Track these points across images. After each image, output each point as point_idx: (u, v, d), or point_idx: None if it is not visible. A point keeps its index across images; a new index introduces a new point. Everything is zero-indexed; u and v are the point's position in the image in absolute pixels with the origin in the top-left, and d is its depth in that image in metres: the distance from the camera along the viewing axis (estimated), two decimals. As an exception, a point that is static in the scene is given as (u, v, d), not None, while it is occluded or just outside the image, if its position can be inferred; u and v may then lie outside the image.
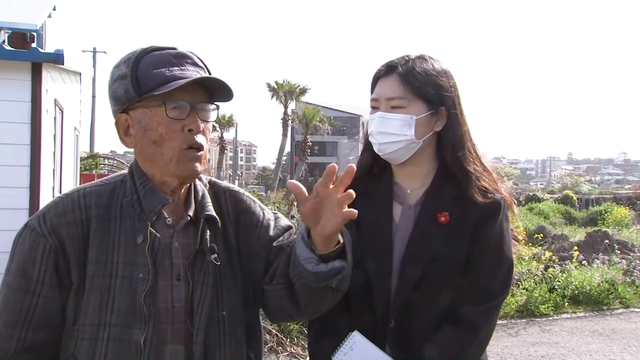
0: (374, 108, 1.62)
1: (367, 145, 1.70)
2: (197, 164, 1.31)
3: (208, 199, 1.41)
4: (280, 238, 1.45)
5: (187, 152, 1.29)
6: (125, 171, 1.40)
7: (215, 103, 1.35)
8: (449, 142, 1.61)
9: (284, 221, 1.52)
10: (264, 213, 1.50)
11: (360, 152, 1.78)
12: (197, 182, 1.43)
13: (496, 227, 1.58)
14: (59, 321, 1.28)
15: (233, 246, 1.42)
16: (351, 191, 1.21)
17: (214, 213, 1.38)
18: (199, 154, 1.31)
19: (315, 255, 1.29)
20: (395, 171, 1.68)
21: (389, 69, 1.61)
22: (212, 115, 1.35)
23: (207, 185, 1.47)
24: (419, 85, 1.57)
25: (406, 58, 1.62)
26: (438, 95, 1.59)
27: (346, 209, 1.23)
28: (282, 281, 1.38)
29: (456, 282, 1.57)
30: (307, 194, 1.24)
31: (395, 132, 1.56)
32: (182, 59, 1.31)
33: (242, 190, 1.53)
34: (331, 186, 1.21)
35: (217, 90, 1.34)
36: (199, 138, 1.30)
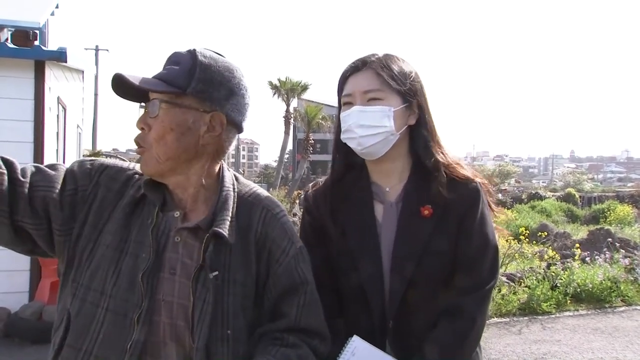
0: (347, 104, 1.62)
1: (338, 147, 1.68)
2: (142, 162, 1.35)
3: (226, 213, 1.36)
4: (288, 300, 1.40)
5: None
6: None
7: (154, 99, 1.32)
8: (421, 136, 1.63)
9: (305, 266, 1.45)
10: (290, 249, 1.42)
11: (332, 156, 1.74)
12: (227, 188, 1.41)
13: (478, 214, 1.59)
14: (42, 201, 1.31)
15: (252, 266, 1.38)
16: None
17: (222, 230, 1.32)
18: (140, 150, 1.34)
19: None
20: (371, 170, 1.67)
21: (361, 64, 1.61)
22: (152, 110, 1.32)
23: (249, 195, 1.45)
24: (394, 77, 1.58)
25: (376, 55, 1.63)
26: (411, 89, 1.60)
27: None
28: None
29: (449, 275, 1.57)
30: None
31: (375, 124, 1.56)
32: (171, 59, 1.36)
33: (279, 215, 1.46)
34: None
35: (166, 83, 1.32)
36: (140, 135, 1.34)
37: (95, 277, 1.30)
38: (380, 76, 1.58)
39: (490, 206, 1.67)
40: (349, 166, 1.68)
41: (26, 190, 1.28)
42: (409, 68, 1.63)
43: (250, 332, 1.37)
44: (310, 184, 1.80)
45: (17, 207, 1.28)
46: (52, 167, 1.37)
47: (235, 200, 1.41)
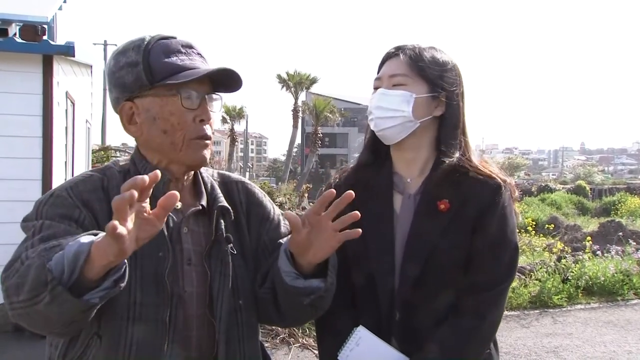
0: (376, 88, 1.63)
1: (370, 142, 1.69)
2: (206, 153, 1.35)
3: (218, 191, 1.43)
4: (287, 238, 1.45)
5: (196, 141, 1.31)
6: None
7: (218, 94, 1.38)
8: (445, 129, 1.61)
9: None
10: (274, 208, 1.54)
11: (363, 147, 1.76)
12: (204, 173, 1.45)
13: (498, 212, 1.55)
14: None
15: (246, 237, 1.45)
16: (355, 213, 1.26)
17: (226, 204, 1.40)
18: (207, 142, 1.34)
19: (295, 269, 1.31)
20: (395, 160, 1.67)
21: (397, 50, 1.62)
22: (217, 106, 1.38)
23: (217, 177, 1.50)
24: (423, 65, 1.58)
25: (416, 44, 1.64)
26: (441, 80, 1.59)
27: (340, 233, 1.27)
28: (269, 285, 1.39)
29: (460, 272, 1.55)
30: (301, 224, 1.25)
31: (393, 108, 1.56)
32: (189, 48, 1.34)
33: (251, 184, 1.56)
34: (323, 213, 1.26)
35: (222, 81, 1.36)
36: (208, 128, 1.34)
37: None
38: (408, 62, 1.59)
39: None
40: (376, 154, 1.69)
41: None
42: (446, 59, 1.62)
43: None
44: (340, 169, 1.82)
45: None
46: (53, 226, 1.21)
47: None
